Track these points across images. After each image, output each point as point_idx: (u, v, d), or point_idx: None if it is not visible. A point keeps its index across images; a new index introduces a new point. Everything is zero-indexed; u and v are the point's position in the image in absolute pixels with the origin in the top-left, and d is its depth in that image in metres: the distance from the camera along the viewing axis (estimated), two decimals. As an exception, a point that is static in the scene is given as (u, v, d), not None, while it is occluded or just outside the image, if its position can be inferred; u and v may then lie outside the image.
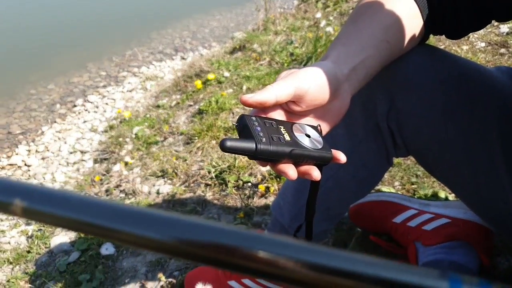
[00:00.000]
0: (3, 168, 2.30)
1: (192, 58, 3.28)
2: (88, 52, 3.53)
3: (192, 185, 1.43)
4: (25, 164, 2.29)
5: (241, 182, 1.34)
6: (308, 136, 0.47)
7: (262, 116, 0.48)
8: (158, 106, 2.31)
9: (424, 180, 1.17)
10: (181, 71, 2.80)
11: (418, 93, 0.64)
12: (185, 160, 1.58)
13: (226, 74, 2.30)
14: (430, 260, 0.84)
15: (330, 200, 0.77)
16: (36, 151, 2.38)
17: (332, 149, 0.47)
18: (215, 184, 1.38)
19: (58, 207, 0.15)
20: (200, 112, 1.93)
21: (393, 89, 0.65)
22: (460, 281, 0.14)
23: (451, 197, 1.06)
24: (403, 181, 1.18)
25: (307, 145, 0.45)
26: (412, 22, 0.59)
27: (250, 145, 0.42)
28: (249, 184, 1.33)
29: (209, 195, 1.34)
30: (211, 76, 2.28)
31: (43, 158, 2.31)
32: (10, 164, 2.30)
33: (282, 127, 0.46)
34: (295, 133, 0.46)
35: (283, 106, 0.49)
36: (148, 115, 2.22)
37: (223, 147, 0.41)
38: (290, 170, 0.44)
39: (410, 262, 0.89)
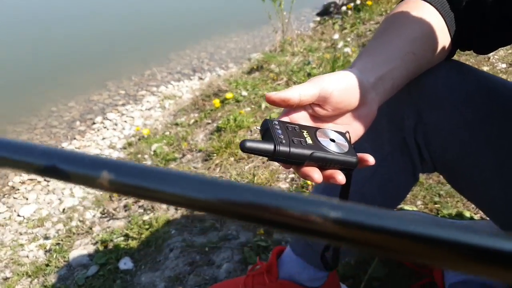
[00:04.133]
0: (23, 183, 2.34)
1: (209, 78, 3.33)
2: (108, 71, 3.62)
3: (210, 201, 1.43)
4: (45, 180, 2.32)
5: (260, 199, 1.34)
6: (333, 140, 0.47)
7: (286, 121, 0.48)
8: (176, 124, 2.34)
9: (447, 199, 1.15)
10: (200, 91, 2.84)
11: (446, 108, 0.64)
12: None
13: (244, 93, 2.33)
14: (458, 281, 0.82)
15: None
16: (56, 166, 2.42)
17: (358, 153, 0.47)
18: (233, 201, 1.38)
19: (141, 179, 0.15)
20: (218, 129, 1.95)
21: (420, 104, 0.65)
22: None
23: (476, 217, 1.04)
24: (426, 200, 1.17)
25: (330, 149, 0.45)
26: (439, 36, 0.60)
27: (269, 146, 0.42)
28: (268, 201, 1.33)
29: (227, 212, 1.34)
30: (229, 95, 2.31)
31: (62, 174, 2.34)
32: (30, 179, 2.34)
33: (305, 131, 0.47)
34: (319, 138, 0.47)
35: (309, 110, 0.50)
36: (166, 133, 2.25)
37: (243, 148, 0.42)
38: (315, 174, 0.44)
39: (437, 283, 0.86)
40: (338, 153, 0.45)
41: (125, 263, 1.23)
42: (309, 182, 1.30)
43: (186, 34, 4.53)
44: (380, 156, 0.70)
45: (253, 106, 2.14)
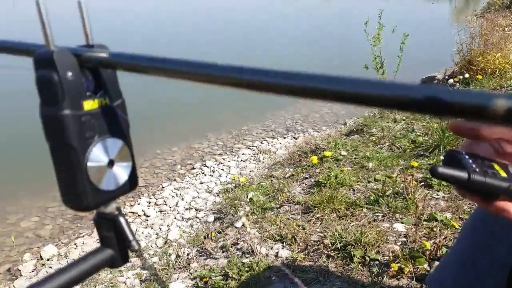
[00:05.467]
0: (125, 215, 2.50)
1: (303, 138, 3.38)
2: (209, 123, 3.88)
3: (312, 254, 1.38)
4: (144, 214, 2.46)
5: (367, 259, 1.26)
6: None
7: (472, 153, 0.45)
8: (272, 176, 2.38)
9: None
10: (295, 147, 2.89)
11: None
12: (304, 228, 1.55)
13: (344, 152, 2.31)
14: None
15: (477, 269, 0.68)
16: (155, 203, 2.56)
17: None
18: (338, 256, 1.31)
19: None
20: (318, 184, 1.93)
21: None
22: None
23: None
24: None
25: None
26: None
27: (463, 173, 0.40)
28: (377, 262, 1.24)
29: (331, 267, 1.28)
30: (328, 153, 2.31)
31: (160, 211, 2.46)
32: (132, 212, 2.49)
33: (495, 164, 0.44)
34: None
35: (495, 145, 0.47)
36: (262, 183, 2.28)
37: (435, 172, 0.40)
38: None
39: None
40: None
41: (224, 302, 1.20)
42: (428, 245, 1.19)
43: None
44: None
45: (353, 166, 2.10)
